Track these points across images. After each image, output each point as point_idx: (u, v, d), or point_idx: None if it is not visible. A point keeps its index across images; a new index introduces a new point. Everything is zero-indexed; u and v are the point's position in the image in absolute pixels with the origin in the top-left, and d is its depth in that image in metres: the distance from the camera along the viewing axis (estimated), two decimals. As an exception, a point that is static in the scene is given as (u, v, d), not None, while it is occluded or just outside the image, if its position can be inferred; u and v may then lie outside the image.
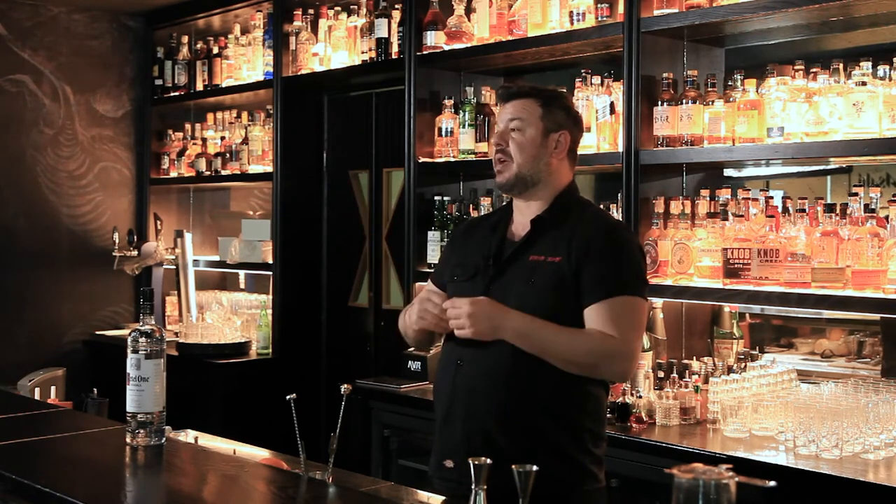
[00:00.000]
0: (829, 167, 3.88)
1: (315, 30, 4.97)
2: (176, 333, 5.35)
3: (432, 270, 2.76)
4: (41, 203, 5.57)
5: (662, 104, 3.38)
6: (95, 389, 3.84)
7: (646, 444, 3.03)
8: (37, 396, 3.86)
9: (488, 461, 1.64)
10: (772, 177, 4.22)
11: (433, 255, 4.15)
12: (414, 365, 4.05)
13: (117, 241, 5.63)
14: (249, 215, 5.76)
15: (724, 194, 3.43)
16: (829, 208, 2.98)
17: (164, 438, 2.37)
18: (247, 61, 5.37)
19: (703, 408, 3.23)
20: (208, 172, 5.59)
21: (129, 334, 2.36)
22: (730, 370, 3.31)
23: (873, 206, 2.98)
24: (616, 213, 3.54)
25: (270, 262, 5.12)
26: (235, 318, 5.27)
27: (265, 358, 5.08)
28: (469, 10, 4.10)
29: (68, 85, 5.68)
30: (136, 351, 2.32)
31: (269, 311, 5.16)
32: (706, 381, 3.25)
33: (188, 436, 3.05)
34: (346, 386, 2.40)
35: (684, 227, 3.35)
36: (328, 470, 2.35)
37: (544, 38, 3.76)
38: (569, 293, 2.32)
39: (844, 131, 2.96)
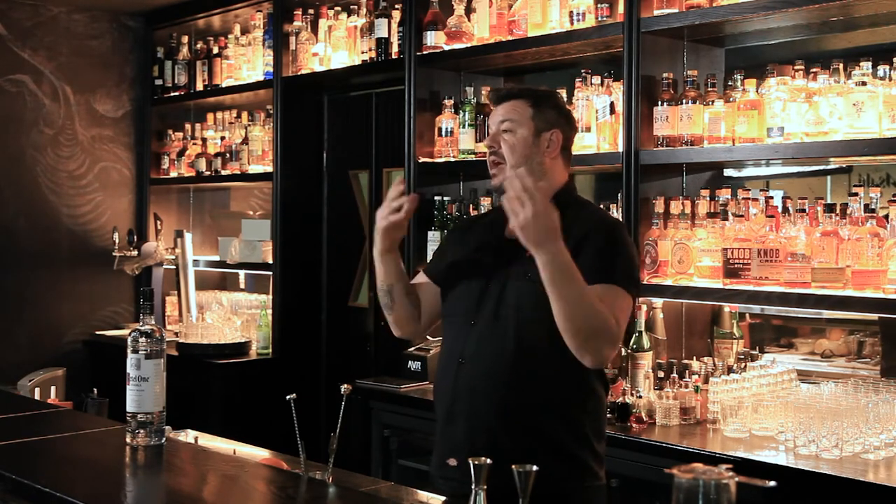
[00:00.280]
0: (829, 167, 3.88)
1: (315, 30, 4.97)
2: (176, 333, 5.35)
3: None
4: (41, 203, 5.57)
5: (662, 104, 3.38)
6: (95, 389, 3.84)
7: (646, 444, 3.03)
8: (37, 396, 3.86)
9: (488, 461, 1.64)
10: (772, 177, 4.22)
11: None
12: (414, 365, 4.05)
13: (117, 241, 5.63)
14: (249, 215, 5.77)
15: (724, 194, 3.43)
16: (829, 208, 2.98)
17: (164, 438, 2.37)
18: (247, 61, 5.37)
19: (703, 408, 3.23)
20: (208, 172, 5.59)
21: (129, 334, 2.36)
22: (730, 370, 3.31)
23: (873, 206, 2.98)
24: (616, 213, 3.54)
25: (270, 262, 5.12)
26: (235, 318, 5.27)
27: (265, 358, 5.08)
28: (469, 10, 4.10)
29: (68, 85, 5.68)
30: (136, 351, 2.32)
31: (269, 311, 5.17)
32: (706, 381, 3.25)
33: (188, 436, 3.05)
34: (346, 386, 2.40)
35: (684, 227, 3.35)
36: (328, 470, 2.35)
37: (544, 38, 3.76)
38: None
39: (844, 131, 2.96)
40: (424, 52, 4.22)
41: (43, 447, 2.44)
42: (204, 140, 5.77)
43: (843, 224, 2.96)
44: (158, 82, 5.89)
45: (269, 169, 5.17)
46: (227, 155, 5.50)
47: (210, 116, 5.81)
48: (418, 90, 4.25)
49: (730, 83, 3.35)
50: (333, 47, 4.82)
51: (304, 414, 2.43)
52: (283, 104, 5.04)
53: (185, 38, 5.84)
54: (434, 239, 4.16)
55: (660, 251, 3.37)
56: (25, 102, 5.52)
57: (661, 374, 3.35)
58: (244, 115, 5.59)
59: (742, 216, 3.19)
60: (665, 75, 3.41)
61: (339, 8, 4.85)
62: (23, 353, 5.36)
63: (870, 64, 2.95)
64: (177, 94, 5.79)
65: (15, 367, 4.84)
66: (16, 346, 5.40)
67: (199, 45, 5.75)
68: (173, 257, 5.63)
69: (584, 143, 3.65)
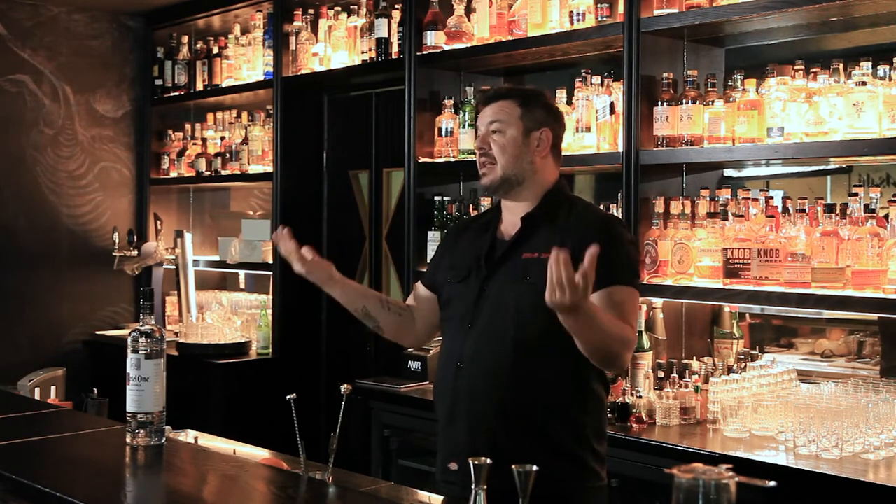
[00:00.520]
0: (829, 167, 3.88)
1: (315, 30, 4.97)
2: (176, 333, 5.35)
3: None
4: (41, 203, 5.57)
5: (662, 104, 3.38)
6: (95, 389, 3.84)
7: (646, 444, 3.03)
8: (37, 396, 3.87)
9: (488, 461, 1.64)
10: (772, 177, 4.22)
11: (433, 255, 4.14)
12: (414, 365, 4.05)
13: (117, 241, 5.63)
14: (249, 215, 5.77)
15: (724, 194, 3.43)
16: (829, 208, 2.98)
17: (164, 438, 2.37)
18: (247, 61, 5.37)
19: (703, 408, 3.23)
20: (208, 172, 5.59)
21: (129, 334, 2.36)
22: (730, 370, 3.31)
23: (873, 206, 2.98)
24: (616, 213, 3.54)
25: (270, 262, 5.12)
26: (235, 318, 5.27)
27: (265, 358, 5.08)
28: (469, 10, 4.10)
29: (68, 85, 5.68)
30: (136, 351, 2.32)
31: (269, 311, 5.16)
32: (706, 381, 3.25)
33: (188, 436, 3.05)
34: (346, 386, 2.40)
35: (684, 227, 3.35)
36: (328, 470, 2.35)
37: (544, 38, 3.76)
38: None
39: (844, 131, 2.96)
40: (424, 52, 4.22)
41: (43, 447, 2.44)
42: (204, 140, 5.77)
43: (843, 224, 2.96)
44: (158, 82, 5.89)
45: (269, 169, 5.17)
46: (227, 155, 5.50)
47: (210, 116, 5.81)
48: (418, 90, 4.25)
49: (730, 83, 3.35)
50: (333, 47, 4.82)
51: (304, 414, 2.43)
52: (283, 104, 5.04)
53: (185, 38, 5.84)
54: (434, 239, 4.16)
55: (660, 251, 3.37)
56: (25, 102, 5.52)
57: (661, 374, 3.36)
58: (244, 115, 5.59)
59: (742, 216, 3.19)
60: (665, 75, 3.41)
61: (339, 8, 4.85)
62: (23, 353, 5.36)
63: (870, 64, 2.94)
64: (177, 94, 5.79)
65: (15, 367, 4.85)
66: (16, 346, 5.40)
67: (199, 45, 5.75)
68: (173, 257, 5.63)
69: (584, 143, 3.65)
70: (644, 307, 3.41)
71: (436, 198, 4.21)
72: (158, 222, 5.79)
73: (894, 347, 3.49)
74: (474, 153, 2.35)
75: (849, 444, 2.77)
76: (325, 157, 5.27)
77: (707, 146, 3.30)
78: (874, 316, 3.43)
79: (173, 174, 5.87)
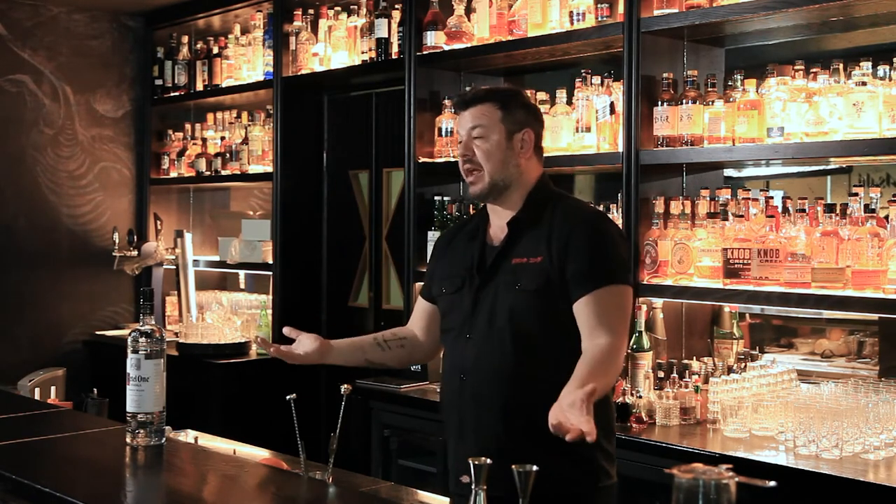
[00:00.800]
0: (829, 167, 3.88)
1: (315, 30, 4.97)
2: (176, 333, 5.35)
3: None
4: (41, 203, 5.57)
5: (662, 104, 3.38)
6: (95, 389, 3.84)
7: (646, 444, 3.03)
8: (37, 396, 3.86)
9: (488, 461, 1.64)
10: (772, 177, 4.23)
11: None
12: (414, 365, 4.05)
13: (117, 241, 5.63)
14: (249, 215, 5.77)
15: (724, 194, 3.43)
16: (829, 208, 2.98)
17: (164, 438, 2.37)
18: (247, 61, 5.37)
19: (703, 408, 3.23)
20: (208, 172, 5.59)
21: (129, 334, 2.36)
22: (730, 370, 3.31)
23: (873, 206, 2.98)
24: (616, 213, 3.54)
25: (270, 262, 5.12)
26: (235, 318, 5.27)
27: (265, 358, 5.06)
28: (469, 10, 4.09)
29: (68, 85, 5.68)
30: (136, 351, 2.32)
31: (269, 311, 5.16)
32: (706, 381, 3.25)
33: (188, 436, 3.05)
34: (346, 386, 2.41)
35: (684, 227, 3.35)
36: (328, 470, 2.35)
37: (544, 38, 3.75)
38: (556, 292, 2.30)
39: (844, 131, 2.96)
40: (424, 52, 4.22)
41: (43, 447, 2.44)
42: (204, 140, 5.77)
43: (843, 224, 2.96)
44: (158, 82, 5.89)
45: (269, 169, 5.17)
46: (227, 155, 5.50)
47: (210, 116, 5.81)
48: (418, 90, 4.25)
49: (730, 83, 3.35)
50: (333, 47, 4.82)
51: (304, 414, 2.43)
52: (283, 104, 5.04)
53: (185, 38, 5.84)
54: (434, 239, 4.15)
55: (660, 251, 3.37)
56: (25, 102, 5.52)
57: (661, 374, 3.35)
58: (244, 115, 5.59)
59: (742, 216, 3.19)
60: (665, 75, 3.41)
61: (339, 8, 4.85)
62: (23, 353, 5.36)
63: (870, 64, 2.94)
64: (177, 94, 5.79)
65: (15, 367, 4.85)
66: (16, 346, 5.40)
67: (199, 45, 5.75)
68: (173, 257, 5.63)
69: (584, 143, 3.65)
70: (644, 307, 3.41)
71: (436, 198, 4.21)
72: (158, 222, 5.79)
73: (894, 347, 3.49)
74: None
75: (849, 444, 2.77)
76: (325, 157, 5.27)
77: (707, 146, 3.30)
78: (874, 316, 3.42)
79: (173, 174, 5.87)
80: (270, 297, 5.18)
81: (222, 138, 5.68)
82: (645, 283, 3.37)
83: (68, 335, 5.66)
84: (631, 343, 3.35)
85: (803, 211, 3.07)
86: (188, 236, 5.60)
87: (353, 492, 2.25)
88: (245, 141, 5.40)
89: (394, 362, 2.63)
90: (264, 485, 2.15)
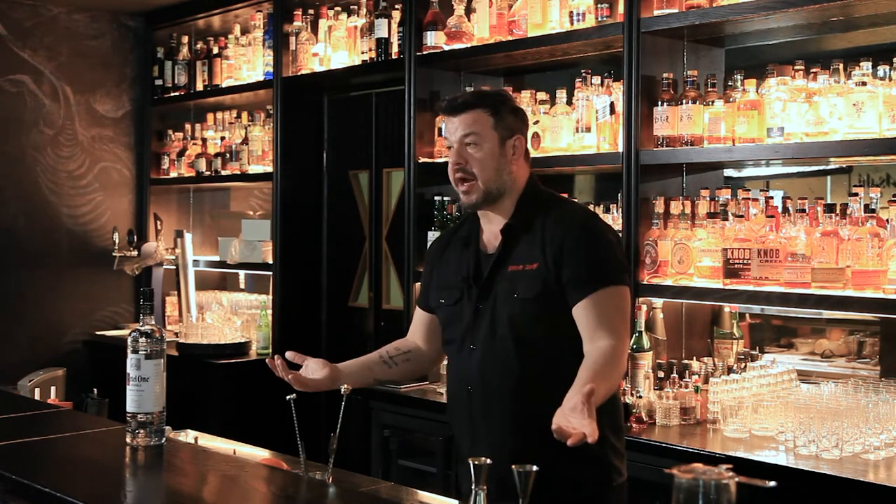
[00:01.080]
0: (829, 167, 3.88)
1: (315, 30, 4.97)
2: (176, 333, 5.36)
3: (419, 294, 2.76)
4: (41, 203, 5.57)
5: (662, 104, 3.38)
6: (95, 389, 3.84)
7: (646, 444, 3.03)
8: (37, 396, 3.86)
9: (488, 461, 1.64)
10: (772, 177, 4.23)
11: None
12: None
13: (117, 241, 5.63)
14: (249, 215, 5.77)
15: (724, 194, 3.43)
16: (829, 208, 2.98)
17: (164, 438, 2.37)
18: (247, 61, 5.37)
19: (703, 408, 3.23)
20: (208, 172, 5.59)
21: (129, 334, 2.36)
22: (730, 370, 3.31)
23: (873, 207, 2.98)
24: (616, 213, 3.54)
25: (270, 262, 5.12)
26: (235, 318, 5.27)
27: (265, 358, 5.06)
28: (469, 10, 4.09)
29: (68, 85, 5.68)
30: (136, 351, 2.32)
31: (269, 311, 5.16)
32: (706, 382, 3.25)
33: (188, 436, 3.05)
34: (346, 386, 2.40)
35: (684, 227, 3.35)
36: (328, 470, 2.35)
37: (544, 38, 3.75)
38: (554, 298, 2.29)
39: (844, 131, 2.96)
40: (424, 53, 4.22)
41: (43, 447, 2.44)
42: (204, 140, 5.77)
43: (843, 224, 2.96)
44: (158, 82, 5.89)
45: (269, 169, 5.17)
46: (227, 155, 5.50)
47: (210, 116, 5.81)
48: (418, 90, 4.25)
49: (730, 83, 3.35)
50: (333, 47, 4.82)
51: (304, 414, 2.43)
52: (283, 104, 5.04)
53: (185, 39, 5.84)
54: (434, 239, 4.15)
55: (660, 251, 3.37)
56: (25, 102, 5.52)
57: (661, 374, 3.35)
58: (244, 115, 5.59)
59: (742, 216, 3.19)
60: (665, 75, 3.41)
61: (339, 8, 4.85)
62: (23, 353, 5.36)
63: (870, 64, 2.94)
64: (177, 94, 5.79)
65: (15, 367, 4.84)
66: (16, 346, 5.40)
67: (199, 46, 5.75)
68: (173, 257, 5.63)
69: (584, 143, 3.65)
70: (644, 307, 3.41)
71: (436, 198, 4.20)
72: (158, 222, 5.79)
73: (894, 347, 3.49)
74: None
75: (849, 445, 2.77)
76: (325, 157, 5.27)
77: (707, 146, 3.30)
78: (874, 316, 3.43)
79: (173, 174, 5.87)
80: (270, 297, 5.18)
81: (222, 138, 5.68)
82: (645, 283, 3.37)
83: (68, 335, 5.66)
84: (631, 343, 3.35)
85: (803, 211, 3.07)
86: (188, 236, 5.60)
87: (353, 492, 2.25)
88: (245, 141, 5.40)
89: (399, 377, 2.63)
90: (264, 485, 2.15)
